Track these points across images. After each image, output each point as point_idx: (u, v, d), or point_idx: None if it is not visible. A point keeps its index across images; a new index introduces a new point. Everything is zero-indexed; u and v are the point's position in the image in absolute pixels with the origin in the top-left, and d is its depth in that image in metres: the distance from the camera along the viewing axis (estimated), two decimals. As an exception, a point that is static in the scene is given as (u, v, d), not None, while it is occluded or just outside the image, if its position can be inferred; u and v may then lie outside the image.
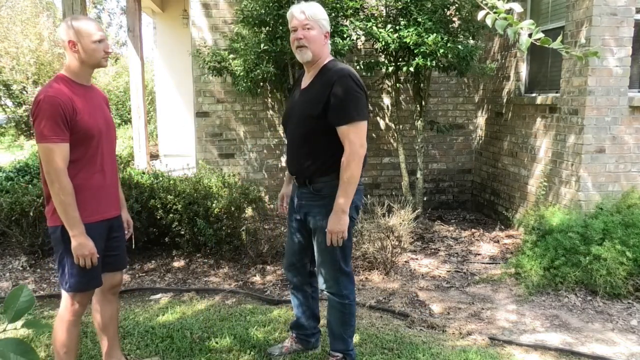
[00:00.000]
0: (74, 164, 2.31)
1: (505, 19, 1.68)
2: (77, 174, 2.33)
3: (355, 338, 3.23)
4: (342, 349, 2.78)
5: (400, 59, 5.36)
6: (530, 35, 1.71)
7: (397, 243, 4.51)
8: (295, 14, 2.48)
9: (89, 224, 2.35)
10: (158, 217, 4.50)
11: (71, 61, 2.35)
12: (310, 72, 2.59)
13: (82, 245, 2.30)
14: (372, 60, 5.53)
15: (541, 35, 1.69)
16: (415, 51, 4.96)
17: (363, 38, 5.61)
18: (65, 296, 2.44)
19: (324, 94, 2.44)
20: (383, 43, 5.07)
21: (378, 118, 6.63)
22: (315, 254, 2.69)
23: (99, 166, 2.42)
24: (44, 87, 2.31)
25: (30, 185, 4.75)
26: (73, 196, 2.27)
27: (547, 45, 1.71)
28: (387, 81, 6.22)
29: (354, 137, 2.43)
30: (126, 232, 2.70)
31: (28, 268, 4.49)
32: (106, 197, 2.48)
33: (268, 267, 4.56)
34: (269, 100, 6.40)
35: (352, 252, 4.47)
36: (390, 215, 4.57)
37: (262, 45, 4.96)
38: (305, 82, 2.63)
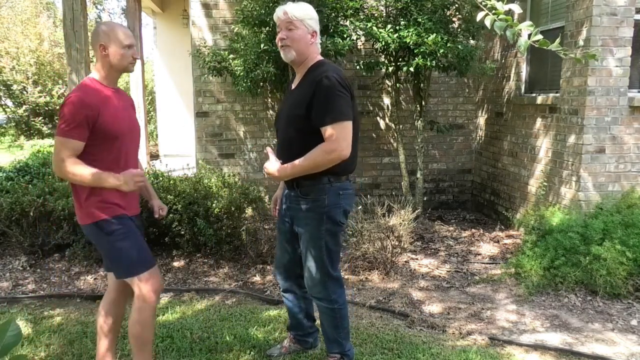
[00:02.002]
0: (98, 163, 2.38)
1: (504, 20, 1.68)
2: (111, 172, 2.43)
3: (356, 338, 3.23)
4: (338, 351, 2.78)
5: (400, 59, 5.36)
6: (529, 37, 1.71)
7: (397, 243, 4.51)
8: (279, 13, 2.50)
9: (114, 218, 2.43)
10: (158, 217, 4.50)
11: (100, 65, 2.44)
12: (299, 73, 2.59)
13: (125, 178, 2.37)
14: (372, 60, 5.53)
15: (540, 36, 1.69)
16: (415, 51, 4.96)
17: (363, 38, 5.60)
18: (136, 283, 2.45)
19: (308, 95, 2.43)
20: (383, 43, 5.07)
21: (378, 118, 6.63)
22: (302, 258, 2.67)
23: (123, 166, 2.49)
24: (75, 88, 2.41)
25: (30, 185, 4.75)
26: (89, 168, 2.34)
27: (545, 47, 1.71)
28: (387, 81, 6.22)
29: (338, 136, 2.37)
30: (162, 213, 2.83)
31: (28, 268, 4.49)
32: (130, 195, 2.54)
33: (268, 267, 4.56)
34: (269, 100, 6.40)
35: (353, 252, 4.48)
36: (390, 215, 4.57)
37: (262, 45, 4.96)
38: (295, 83, 2.64)
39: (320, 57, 2.58)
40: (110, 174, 2.37)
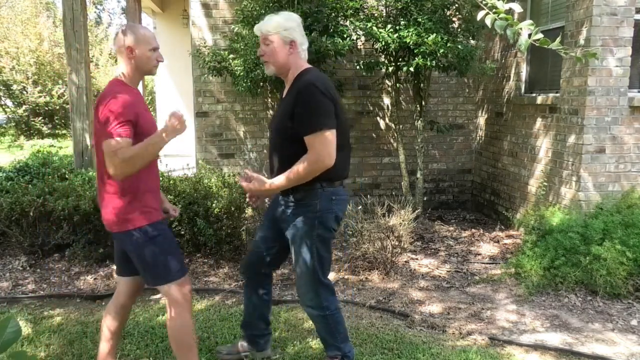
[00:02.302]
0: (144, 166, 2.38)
1: (505, 19, 1.68)
2: (147, 176, 2.42)
3: (356, 338, 3.23)
4: (337, 354, 2.76)
5: (400, 59, 5.35)
6: (529, 36, 1.71)
7: (397, 243, 4.51)
8: (256, 31, 2.54)
9: (154, 224, 2.41)
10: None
11: (126, 66, 2.44)
12: (287, 82, 2.61)
13: (170, 125, 2.31)
14: (372, 60, 5.53)
15: (540, 35, 1.69)
16: (415, 51, 4.96)
17: (363, 38, 5.60)
18: (173, 289, 2.44)
19: (291, 104, 2.45)
20: (383, 43, 5.07)
21: (378, 118, 6.63)
22: (294, 265, 2.67)
23: (157, 167, 2.51)
24: (113, 89, 2.36)
25: (30, 185, 4.75)
26: (140, 145, 2.29)
27: (546, 46, 1.71)
28: (387, 81, 6.22)
29: (320, 146, 2.39)
30: (175, 214, 2.77)
31: (28, 268, 4.49)
32: (159, 198, 2.56)
33: (268, 267, 4.56)
34: (269, 100, 6.39)
35: (353, 252, 4.48)
36: (390, 215, 4.56)
37: (262, 45, 4.95)
38: (284, 92, 2.66)
39: (306, 65, 2.58)
40: (156, 134, 2.33)
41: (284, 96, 2.65)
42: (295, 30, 2.53)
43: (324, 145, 2.39)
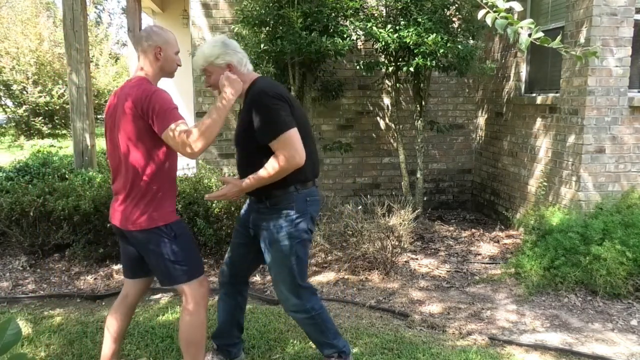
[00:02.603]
0: (169, 159, 2.43)
1: (505, 18, 1.68)
2: (171, 173, 2.47)
3: (356, 338, 3.23)
4: (333, 352, 2.76)
5: (400, 59, 5.36)
6: (530, 35, 1.71)
7: (397, 243, 4.51)
8: (194, 67, 2.58)
9: (177, 222, 2.45)
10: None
11: (150, 66, 2.46)
12: (241, 97, 2.62)
13: (231, 82, 2.37)
14: (372, 60, 5.53)
15: (541, 34, 1.69)
16: (415, 51, 4.96)
17: (363, 38, 5.60)
18: (190, 288, 2.46)
19: (249, 114, 2.47)
20: (383, 43, 5.07)
21: (378, 118, 6.63)
22: (270, 271, 2.66)
23: (175, 160, 2.54)
24: (147, 85, 2.38)
25: (30, 185, 4.75)
26: (206, 119, 2.31)
27: (546, 45, 1.71)
28: (387, 81, 6.22)
29: (287, 147, 2.40)
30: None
31: (28, 268, 4.49)
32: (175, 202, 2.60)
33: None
34: (269, 100, 6.38)
35: (353, 252, 4.48)
36: (390, 215, 4.56)
37: (262, 45, 4.96)
38: (241, 106, 2.68)
39: (253, 76, 2.60)
40: (218, 99, 2.37)
41: (240, 111, 2.66)
42: (226, 52, 2.55)
43: (290, 145, 2.40)
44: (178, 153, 2.41)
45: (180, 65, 2.56)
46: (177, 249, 2.40)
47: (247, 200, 2.80)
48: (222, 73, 2.49)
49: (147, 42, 2.43)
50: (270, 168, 2.42)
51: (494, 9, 1.70)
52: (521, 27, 1.70)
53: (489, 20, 1.71)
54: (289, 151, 2.39)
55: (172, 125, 2.26)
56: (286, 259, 2.55)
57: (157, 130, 2.29)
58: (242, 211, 2.84)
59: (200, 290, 2.48)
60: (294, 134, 2.41)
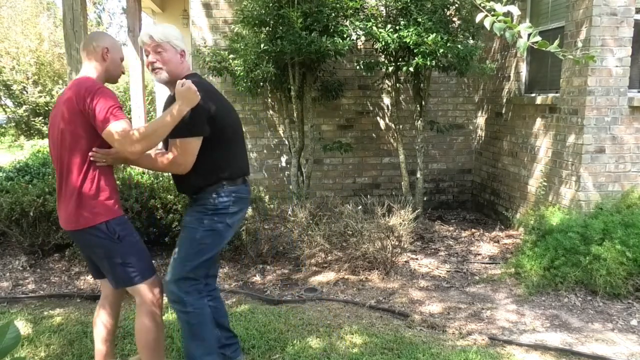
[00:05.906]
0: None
1: (503, 21, 1.69)
2: (107, 171, 2.43)
3: (356, 338, 3.23)
4: None
5: (400, 59, 5.35)
6: (528, 38, 1.72)
7: (397, 243, 4.51)
8: (144, 38, 2.49)
9: (117, 221, 2.40)
10: (158, 217, 4.50)
11: (96, 68, 2.46)
12: (171, 90, 2.53)
13: (184, 93, 2.27)
14: (372, 60, 5.53)
15: (539, 38, 1.70)
16: (415, 51, 4.96)
17: (363, 38, 5.60)
18: (142, 290, 2.43)
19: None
20: (383, 43, 5.07)
21: (378, 118, 6.63)
22: (174, 250, 2.59)
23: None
24: (87, 83, 2.36)
25: (30, 185, 4.75)
26: (155, 121, 2.31)
27: (544, 49, 1.71)
28: (387, 81, 6.22)
29: (178, 151, 2.38)
30: None
31: (28, 268, 4.50)
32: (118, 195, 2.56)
33: (268, 267, 4.56)
34: (269, 100, 6.40)
35: (353, 252, 4.48)
36: (390, 215, 4.57)
37: (262, 46, 4.96)
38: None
39: (190, 72, 2.57)
40: (172, 108, 2.29)
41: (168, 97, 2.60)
42: (182, 40, 2.55)
43: (182, 153, 2.38)
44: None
45: (124, 73, 2.56)
46: (123, 250, 2.37)
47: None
48: (175, 56, 2.48)
49: (95, 42, 2.43)
50: (160, 160, 2.41)
51: (493, 12, 1.71)
52: (519, 31, 1.70)
53: (487, 24, 1.72)
54: (178, 157, 2.38)
55: (114, 124, 2.22)
56: (187, 240, 2.50)
57: (98, 127, 2.25)
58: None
59: (155, 290, 2.46)
60: (193, 144, 2.38)
